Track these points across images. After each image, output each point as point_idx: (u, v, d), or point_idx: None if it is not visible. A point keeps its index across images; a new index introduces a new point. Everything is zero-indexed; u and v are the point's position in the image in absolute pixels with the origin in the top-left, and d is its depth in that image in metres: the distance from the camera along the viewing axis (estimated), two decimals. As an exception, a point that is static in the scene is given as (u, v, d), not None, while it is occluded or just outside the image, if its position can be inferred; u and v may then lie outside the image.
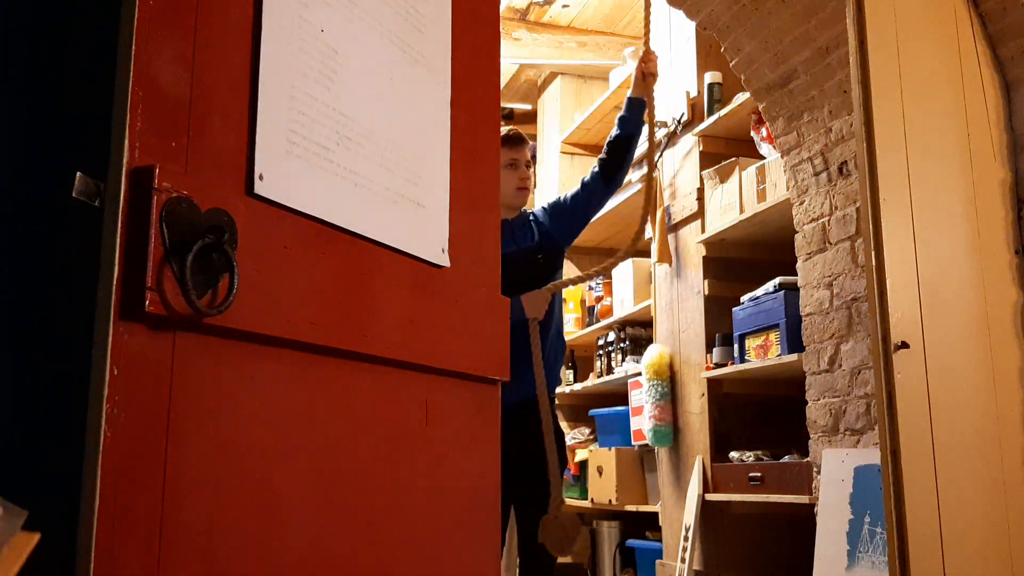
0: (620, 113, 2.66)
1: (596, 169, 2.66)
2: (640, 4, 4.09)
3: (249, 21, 0.89)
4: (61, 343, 0.79)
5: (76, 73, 0.83)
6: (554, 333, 2.56)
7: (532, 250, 2.58)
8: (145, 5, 0.77)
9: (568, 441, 4.57)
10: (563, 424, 4.76)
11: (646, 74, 2.59)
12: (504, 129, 2.67)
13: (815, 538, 2.54)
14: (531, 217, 2.68)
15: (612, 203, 4.26)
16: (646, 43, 2.60)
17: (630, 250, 2.31)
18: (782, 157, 2.87)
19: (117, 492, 0.71)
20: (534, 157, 5.34)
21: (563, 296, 2.64)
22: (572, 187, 2.75)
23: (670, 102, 3.70)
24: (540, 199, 4.94)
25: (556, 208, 2.69)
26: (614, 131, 2.65)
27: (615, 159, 2.62)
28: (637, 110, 2.61)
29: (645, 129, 2.55)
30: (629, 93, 2.66)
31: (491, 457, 1.25)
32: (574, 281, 2.51)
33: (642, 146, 2.73)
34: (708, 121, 3.40)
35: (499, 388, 1.28)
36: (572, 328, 4.67)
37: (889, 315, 1.88)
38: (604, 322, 4.41)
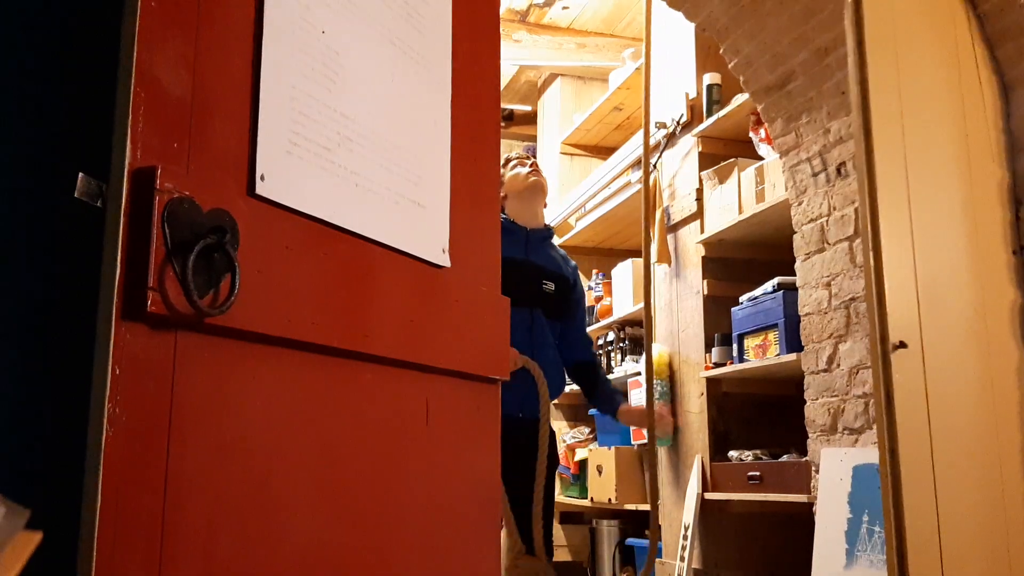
0: (607, 397, 2.70)
1: (580, 382, 2.71)
2: (640, 6, 4.09)
3: (251, 22, 0.89)
4: (63, 343, 0.79)
5: (78, 74, 0.83)
6: (551, 361, 2.49)
7: (544, 272, 2.54)
8: (147, 6, 0.78)
9: (568, 440, 4.57)
10: (563, 424, 4.77)
11: (658, 426, 2.72)
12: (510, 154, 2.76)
13: (813, 537, 2.55)
14: (554, 242, 2.68)
15: (611, 204, 4.26)
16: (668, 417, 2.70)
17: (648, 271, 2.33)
18: (781, 158, 2.88)
19: (119, 491, 0.71)
20: (534, 152, 5.35)
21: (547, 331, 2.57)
22: (580, 309, 2.71)
23: (669, 103, 3.71)
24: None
25: (575, 283, 2.67)
26: (599, 386, 2.70)
27: (587, 386, 2.72)
28: (612, 415, 2.72)
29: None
30: (621, 407, 2.70)
31: (491, 456, 1.25)
32: (542, 391, 2.37)
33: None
34: (707, 122, 3.40)
35: (499, 388, 1.28)
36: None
37: (887, 315, 1.88)
38: (604, 322, 4.42)
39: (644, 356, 3.09)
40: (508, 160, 2.68)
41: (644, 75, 3.33)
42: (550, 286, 2.55)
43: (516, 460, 2.27)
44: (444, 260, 1.14)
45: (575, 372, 2.69)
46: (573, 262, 2.73)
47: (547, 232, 2.65)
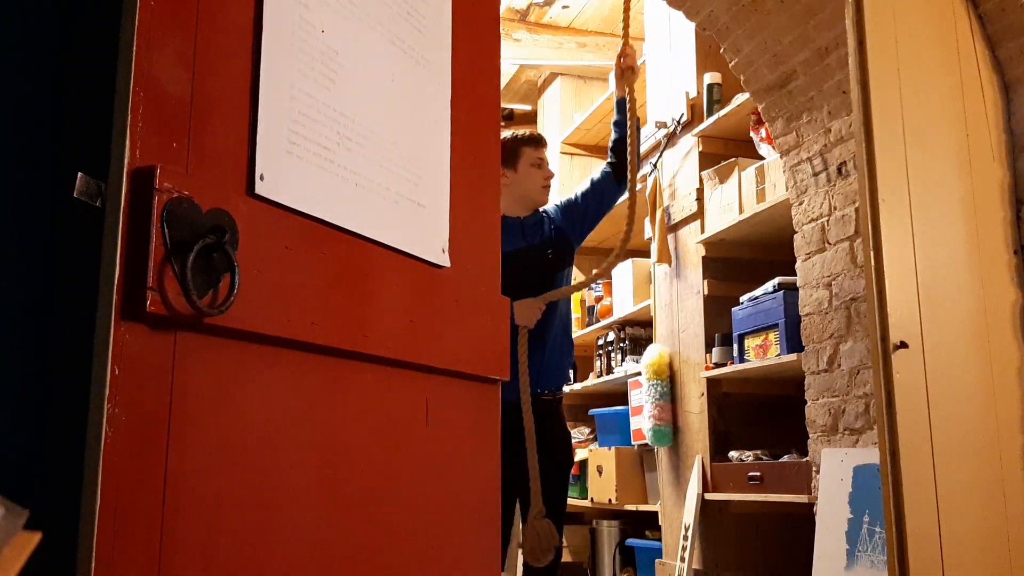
0: (613, 117, 2.72)
1: (607, 169, 2.71)
2: (640, 6, 4.09)
3: (250, 22, 0.89)
4: (62, 343, 0.79)
5: (77, 74, 0.83)
6: (560, 333, 2.57)
7: (542, 246, 2.61)
8: (146, 6, 0.77)
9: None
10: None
11: (624, 69, 2.63)
12: (524, 132, 2.72)
13: (814, 537, 2.55)
14: (544, 214, 2.71)
15: (612, 203, 4.26)
16: (625, 38, 2.62)
17: (622, 251, 2.33)
18: (781, 158, 2.87)
19: (118, 491, 0.71)
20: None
21: (571, 298, 2.66)
22: (582, 186, 2.77)
23: (670, 102, 3.70)
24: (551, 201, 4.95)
25: (569, 206, 2.73)
26: (612, 134, 2.71)
27: (621, 160, 2.67)
28: (625, 109, 2.66)
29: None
30: (615, 94, 2.69)
31: (491, 456, 1.25)
32: (571, 290, 2.53)
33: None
34: (707, 122, 3.40)
35: (499, 387, 1.28)
36: (572, 328, 4.68)
37: (888, 315, 1.88)
38: (604, 322, 4.42)
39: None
40: (524, 139, 2.64)
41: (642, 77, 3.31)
42: (551, 253, 2.61)
43: (522, 434, 2.28)
44: (444, 260, 1.14)
45: (606, 181, 2.70)
46: (555, 206, 2.75)
47: (537, 213, 2.67)
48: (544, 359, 2.48)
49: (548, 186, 2.66)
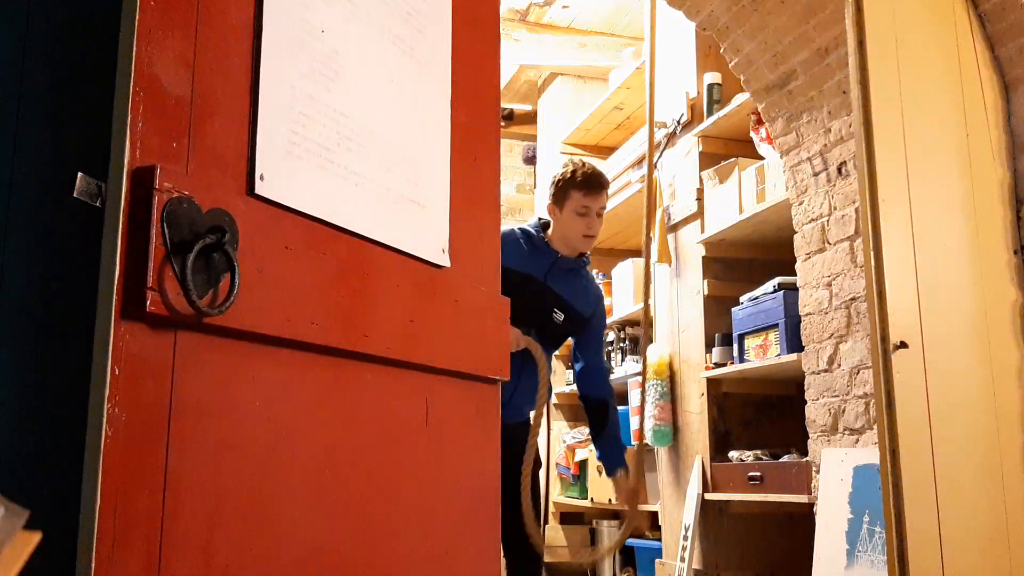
0: (608, 449, 2.67)
1: (590, 408, 2.67)
2: (640, 6, 4.09)
3: (250, 22, 0.89)
4: (62, 343, 0.79)
5: (78, 73, 0.83)
6: (528, 373, 2.42)
7: (560, 301, 2.48)
8: (146, 6, 0.78)
9: (568, 440, 4.57)
10: (563, 424, 4.77)
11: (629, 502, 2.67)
12: (581, 162, 2.57)
13: (814, 537, 2.55)
14: (586, 276, 2.59)
15: (612, 203, 4.26)
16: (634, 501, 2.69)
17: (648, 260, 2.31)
18: (781, 158, 2.87)
19: (118, 491, 0.71)
20: (533, 159, 5.35)
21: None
22: (591, 346, 2.66)
23: (670, 102, 3.70)
24: (539, 198, 4.94)
25: (595, 317, 2.61)
26: (600, 436, 2.67)
27: (590, 425, 2.69)
28: (609, 470, 2.66)
29: None
30: (618, 473, 2.66)
31: (491, 456, 1.25)
32: (544, 371, 2.34)
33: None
34: (707, 122, 3.40)
35: (499, 388, 1.28)
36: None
37: (888, 315, 1.88)
38: (604, 322, 4.41)
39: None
40: (577, 183, 2.47)
41: (648, 70, 3.33)
42: (559, 316, 2.49)
43: (503, 461, 2.26)
44: (444, 260, 1.14)
45: (588, 407, 2.65)
46: (599, 294, 2.64)
47: (578, 263, 2.54)
48: (516, 388, 2.39)
49: (591, 238, 2.50)
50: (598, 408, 2.64)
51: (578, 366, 2.66)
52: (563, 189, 2.50)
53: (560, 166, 2.63)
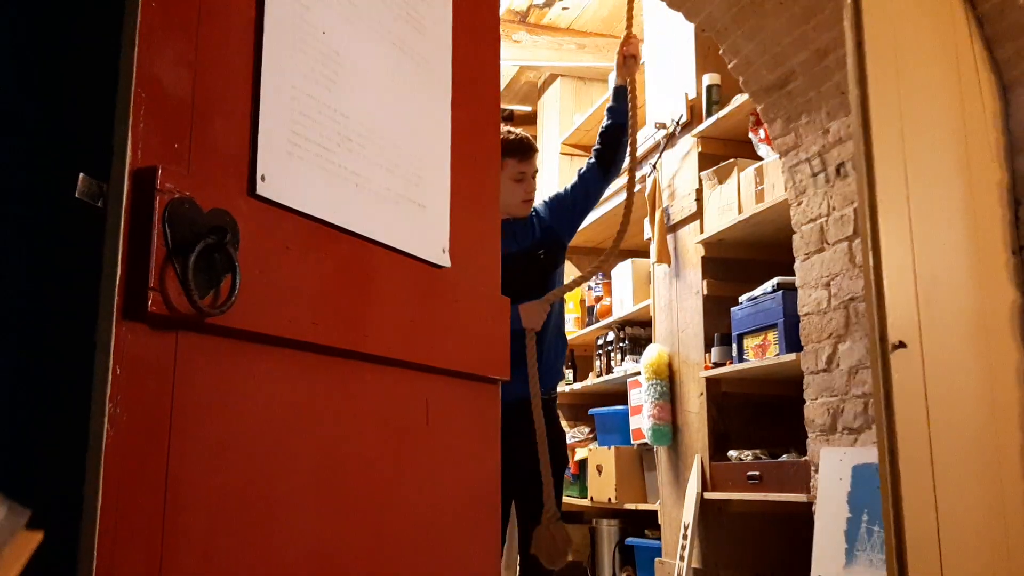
0: (608, 103, 2.65)
1: (592, 160, 2.64)
2: (639, 6, 4.09)
3: (251, 23, 0.89)
4: (64, 343, 0.79)
5: (79, 74, 0.83)
6: (554, 334, 2.57)
7: (534, 247, 2.57)
8: (148, 6, 0.78)
9: (568, 440, 4.57)
10: (563, 424, 4.77)
11: (627, 57, 2.57)
12: (507, 130, 2.60)
13: (813, 537, 2.55)
14: (533, 213, 2.66)
15: (611, 204, 4.26)
16: (628, 27, 2.58)
17: (618, 242, 2.33)
18: (780, 158, 2.88)
19: (119, 491, 0.71)
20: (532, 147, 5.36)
21: (563, 297, 2.64)
22: (571, 181, 2.73)
23: (669, 103, 3.71)
24: (539, 198, 4.94)
25: (556, 202, 2.67)
26: (605, 120, 2.63)
27: (609, 148, 2.60)
28: (624, 97, 2.59)
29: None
30: (614, 80, 2.63)
31: (491, 456, 1.25)
32: (571, 286, 2.52)
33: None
34: (707, 122, 3.41)
35: (499, 388, 1.28)
36: (572, 328, 4.68)
37: (886, 315, 1.88)
38: (603, 322, 4.42)
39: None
40: (510, 148, 2.51)
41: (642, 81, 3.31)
42: (542, 252, 2.56)
43: (527, 447, 2.28)
44: (444, 260, 1.15)
45: (596, 170, 2.63)
46: (544, 203, 2.70)
47: (527, 217, 2.62)
48: (541, 359, 2.48)
49: (529, 200, 2.57)
50: (593, 164, 2.63)
51: (579, 199, 2.65)
52: None
53: None
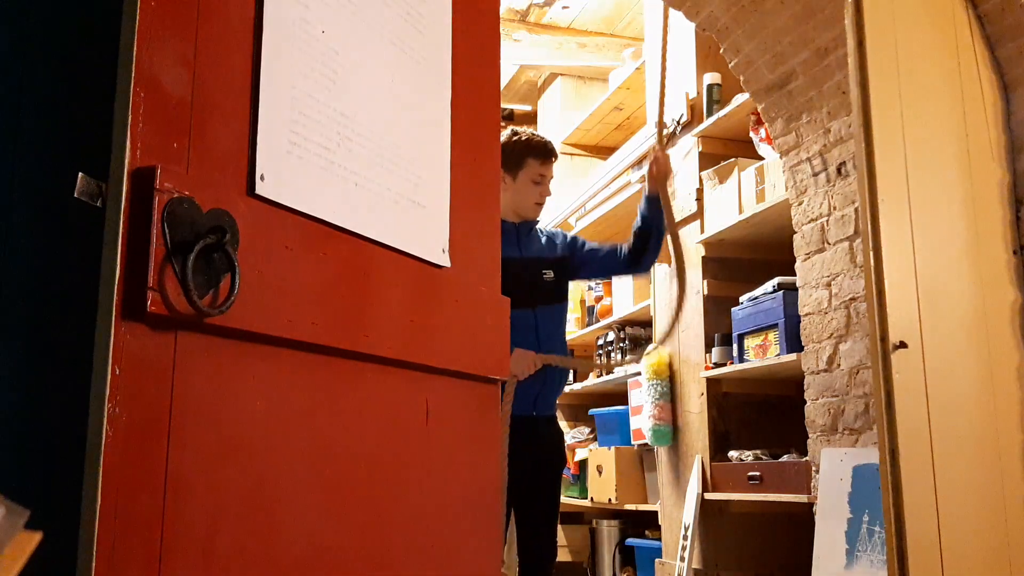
0: (640, 208, 2.62)
1: (626, 249, 2.61)
2: (639, 5, 4.09)
3: (250, 22, 0.89)
4: (63, 343, 0.79)
5: (78, 74, 0.83)
6: (554, 374, 2.49)
7: (542, 263, 2.50)
8: (147, 6, 0.78)
9: (568, 440, 4.57)
10: (563, 424, 4.77)
11: (658, 174, 2.57)
12: (531, 132, 2.57)
13: (814, 537, 2.55)
14: (540, 230, 2.61)
15: (611, 204, 4.27)
16: (660, 142, 2.63)
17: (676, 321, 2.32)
18: (781, 158, 2.88)
19: (119, 491, 0.71)
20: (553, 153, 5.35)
21: (564, 322, 2.57)
22: (594, 244, 2.68)
23: (670, 103, 3.70)
24: (561, 227, 4.93)
25: (575, 245, 2.62)
26: (637, 222, 2.61)
27: (641, 246, 2.60)
28: (654, 206, 2.58)
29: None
30: (645, 191, 2.61)
31: (491, 456, 1.25)
32: (575, 364, 2.41)
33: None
34: (707, 122, 3.40)
35: (499, 388, 1.28)
36: (572, 328, 4.68)
37: (887, 315, 1.88)
38: (604, 322, 4.42)
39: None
40: (533, 150, 2.47)
41: (661, 70, 3.32)
42: (549, 274, 2.51)
43: (526, 458, 2.28)
44: (444, 260, 1.14)
45: (618, 262, 2.62)
46: (561, 231, 2.68)
47: (534, 222, 2.58)
48: (544, 386, 2.42)
49: (542, 204, 2.54)
50: (614, 252, 2.61)
51: (595, 266, 2.64)
52: (519, 156, 2.48)
53: (504, 135, 2.56)
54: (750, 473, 2.99)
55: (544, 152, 2.52)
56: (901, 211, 1.99)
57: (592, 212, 4.51)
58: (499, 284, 1.30)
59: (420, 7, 1.15)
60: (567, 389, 4.66)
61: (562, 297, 2.58)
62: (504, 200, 2.50)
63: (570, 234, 2.69)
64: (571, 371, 2.41)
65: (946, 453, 1.92)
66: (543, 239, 2.60)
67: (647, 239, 2.59)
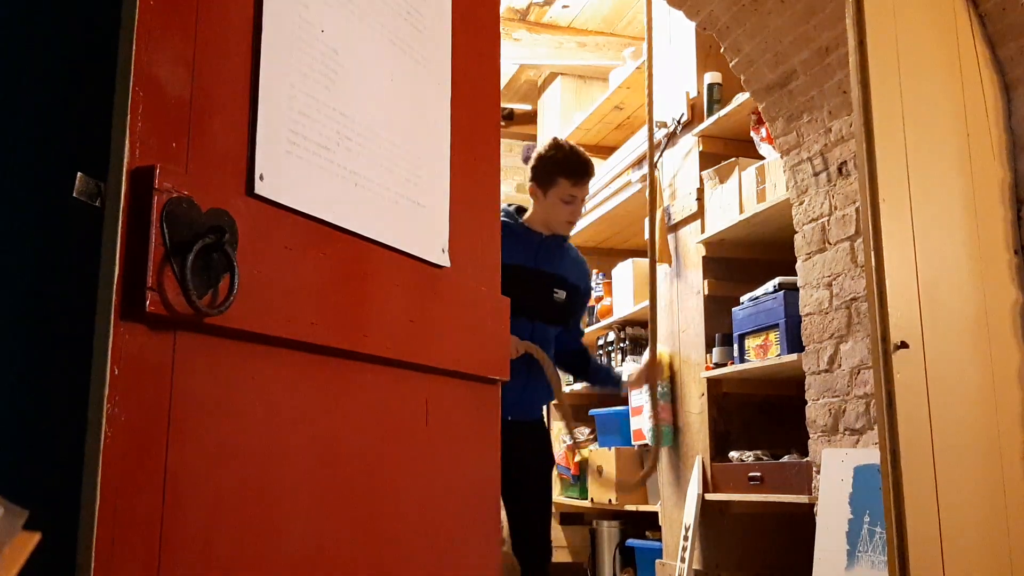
0: (606, 376, 2.72)
1: (582, 360, 2.71)
2: (640, 5, 4.09)
3: (249, 21, 0.89)
4: (62, 343, 0.79)
5: (77, 74, 0.83)
6: (535, 372, 2.47)
7: (555, 280, 2.49)
8: (146, 5, 0.77)
9: (568, 441, 4.57)
10: (562, 423, 4.76)
11: (648, 381, 2.72)
12: (569, 146, 2.50)
13: (815, 538, 2.55)
14: (572, 248, 2.59)
15: (611, 204, 4.27)
16: (652, 354, 2.82)
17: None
18: (782, 157, 2.87)
19: (118, 491, 0.71)
20: (527, 159, 5.36)
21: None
22: (580, 318, 2.76)
23: (670, 102, 3.70)
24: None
25: (583, 295, 2.67)
26: (596, 369, 2.72)
27: (583, 376, 2.77)
28: (615, 387, 2.72)
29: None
30: (625, 377, 2.70)
31: (491, 456, 1.25)
32: (554, 379, 2.41)
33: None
34: (708, 121, 3.40)
35: (499, 388, 1.28)
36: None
37: (888, 315, 1.88)
38: (604, 322, 4.42)
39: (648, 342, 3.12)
40: (566, 170, 2.42)
41: (647, 69, 3.32)
42: (561, 295, 2.48)
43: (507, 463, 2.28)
44: (444, 260, 1.14)
45: (566, 359, 2.68)
46: (586, 264, 2.69)
47: (562, 238, 2.54)
48: (524, 392, 2.40)
49: (573, 223, 2.51)
50: (577, 357, 2.71)
51: (577, 334, 2.71)
52: (550, 173, 2.46)
53: (545, 145, 2.55)
54: (751, 474, 2.98)
55: (577, 173, 2.45)
56: (902, 211, 1.98)
57: (592, 212, 4.50)
58: (499, 284, 1.30)
59: (420, 6, 1.14)
60: (567, 389, 4.65)
61: (565, 323, 2.57)
62: (536, 212, 2.49)
63: (591, 285, 2.74)
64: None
65: (947, 453, 1.91)
66: (570, 258, 2.57)
67: (589, 380, 2.77)
